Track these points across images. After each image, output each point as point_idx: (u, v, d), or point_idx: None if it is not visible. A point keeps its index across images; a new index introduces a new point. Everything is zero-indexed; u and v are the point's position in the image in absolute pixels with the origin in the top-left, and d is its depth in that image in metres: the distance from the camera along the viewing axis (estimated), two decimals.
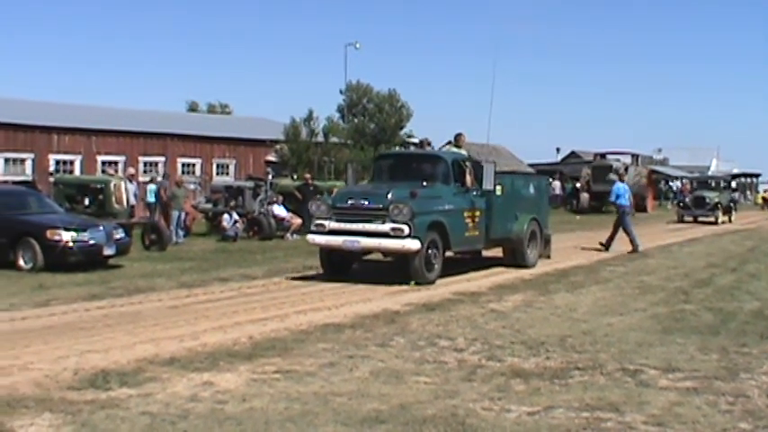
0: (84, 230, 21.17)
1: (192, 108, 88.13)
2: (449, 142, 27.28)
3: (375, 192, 19.67)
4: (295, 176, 40.71)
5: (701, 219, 46.71)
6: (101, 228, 21.70)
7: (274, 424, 8.30)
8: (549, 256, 24.46)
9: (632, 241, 28.07)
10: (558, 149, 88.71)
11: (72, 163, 46.42)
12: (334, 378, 10.19)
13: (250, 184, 34.60)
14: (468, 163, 21.31)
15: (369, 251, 19.86)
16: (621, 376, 10.46)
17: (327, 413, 8.69)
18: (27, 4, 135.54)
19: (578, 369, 10.80)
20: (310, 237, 19.79)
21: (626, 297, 17.28)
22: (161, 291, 17.49)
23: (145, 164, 48.87)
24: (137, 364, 10.68)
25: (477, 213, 20.84)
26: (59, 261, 20.48)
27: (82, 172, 44.91)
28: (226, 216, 31.44)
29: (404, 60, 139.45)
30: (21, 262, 20.52)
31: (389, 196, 18.85)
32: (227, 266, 22.16)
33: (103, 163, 46.82)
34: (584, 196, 57.79)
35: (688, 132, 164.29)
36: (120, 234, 22.04)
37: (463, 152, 22.36)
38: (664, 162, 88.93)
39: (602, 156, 62.12)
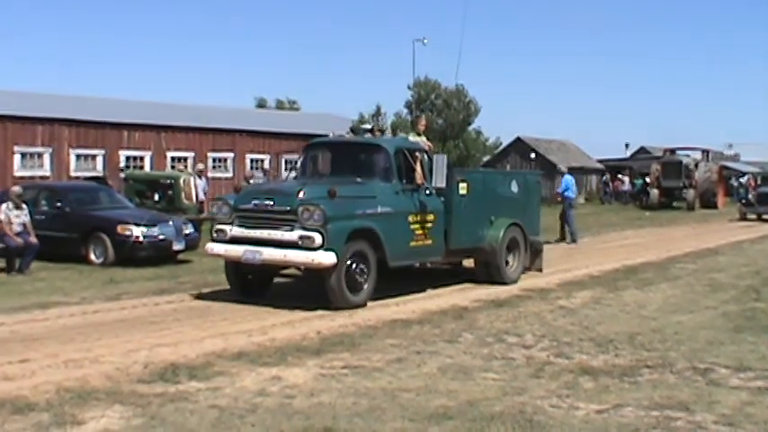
0: (154, 226, 21.37)
1: (261, 104, 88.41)
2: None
3: (283, 190, 15.80)
4: None
5: (765, 216, 43.51)
6: (170, 223, 21.92)
7: (342, 419, 8.33)
8: (540, 269, 20.12)
9: (572, 233, 29.33)
10: (626, 145, 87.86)
11: (142, 159, 46.80)
12: (402, 374, 10.21)
13: None
14: (421, 155, 17.17)
15: (280, 266, 15.85)
16: (692, 375, 10.37)
17: (395, 409, 8.71)
18: (98, 3, 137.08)
19: (648, 367, 10.71)
20: (209, 246, 16.02)
21: (696, 294, 17.09)
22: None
23: (214, 160, 49.16)
24: (206, 359, 10.78)
25: (430, 218, 16.66)
26: (130, 256, 20.74)
27: (152, 168, 45.27)
28: None
29: (471, 56, 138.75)
30: (92, 256, 20.76)
31: (300, 195, 14.83)
32: None
33: (173, 159, 47.18)
34: (654, 192, 57.14)
35: (761, 128, 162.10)
36: (189, 229, 22.20)
37: (420, 141, 18.19)
38: (735, 158, 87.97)
39: (672, 151, 61.41)
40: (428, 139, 19.10)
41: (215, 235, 15.81)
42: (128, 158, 45.85)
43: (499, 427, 8.18)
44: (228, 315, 13.55)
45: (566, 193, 29.91)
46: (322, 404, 8.85)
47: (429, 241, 16.72)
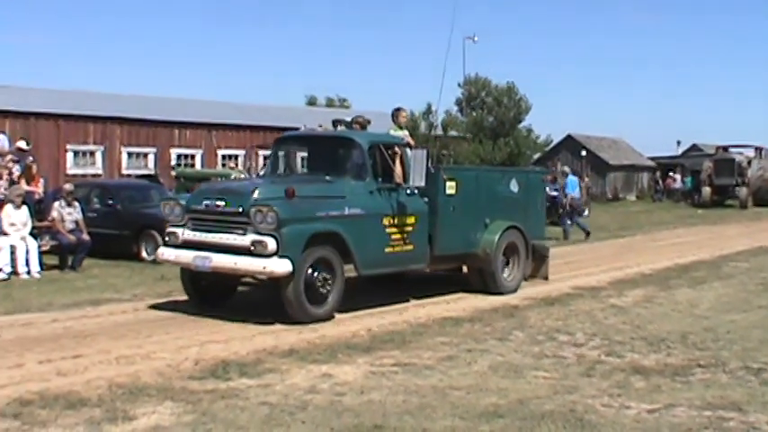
0: None
1: (311, 102, 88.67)
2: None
3: (236, 189, 14.39)
4: None
5: None
6: None
7: (392, 417, 8.32)
8: (546, 277, 18.15)
9: (564, 231, 29.79)
10: (678, 142, 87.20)
11: (193, 157, 47.16)
12: (453, 372, 10.19)
13: None
14: (401, 150, 15.35)
15: (236, 275, 14.00)
16: (744, 375, 10.26)
17: (445, 407, 8.69)
18: (149, 3, 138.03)
19: (700, 366, 10.61)
20: (159, 251, 14.67)
21: (749, 294, 16.91)
22: None
23: (264, 157, 49.30)
24: (256, 356, 10.82)
25: (410, 220, 14.90)
26: None
27: (202, 166, 45.62)
28: None
29: (522, 53, 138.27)
30: (143, 253, 20.89)
31: (254, 195, 13.24)
32: None
33: (223, 157, 47.51)
34: (706, 190, 56.65)
35: None
36: None
37: (400, 134, 16.22)
38: None
39: (725, 149, 60.87)
40: (411, 135, 17.05)
41: (166, 238, 14.31)
42: (179, 156, 46.22)
43: (550, 425, 8.14)
44: (279, 313, 13.57)
45: (571, 194, 30.43)
46: (372, 402, 8.85)
47: (409, 247, 14.88)
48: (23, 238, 17.83)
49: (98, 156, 42.97)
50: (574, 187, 30.65)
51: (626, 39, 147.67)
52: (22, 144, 21.44)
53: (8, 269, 17.29)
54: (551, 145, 67.42)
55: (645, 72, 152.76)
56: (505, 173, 19.35)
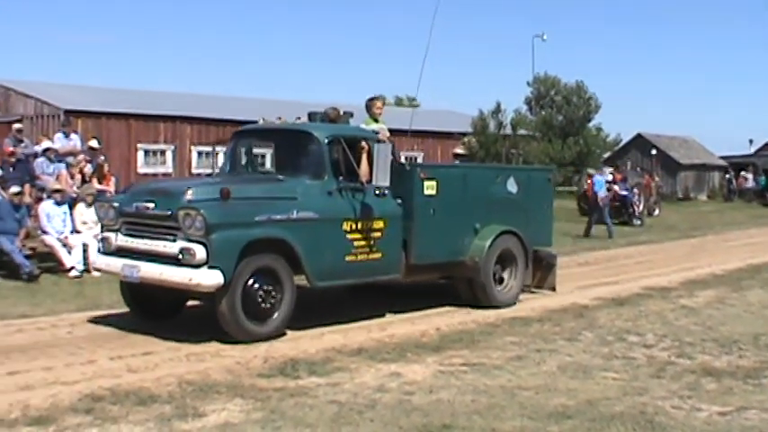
0: None
1: None
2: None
3: (167, 189, 12.78)
4: None
5: None
6: None
7: (461, 416, 8.31)
8: (554, 288, 16.26)
9: (609, 230, 29.57)
10: (750, 141, 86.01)
11: (263, 156, 47.34)
12: (522, 372, 10.16)
13: None
14: (369, 145, 13.37)
15: (167, 285, 11.87)
16: None
17: (514, 407, 8.66)
18: (214, 4, 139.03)
19: None
20: (92, 258, 13.77)
21: None
22: None
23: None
24: (325, 354, 10.86)
25: (378, 225, 13.20)
26: None
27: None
28: None
29: (591, 51, 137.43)
30: None
31: (186, 196, 11.70)
32: None
33: None
34: None
35: None
36: None
37: (374, 128, 14.25)
38: None
39: None
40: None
41: (100, 244, 13.18)
42: None
43: (619, 427, 8.09)
44: (346, 310, 13.59)
45: (598, 193, 30.31)
46: (441, 401, 8.85)
47: (376, 255, 13.19)
48: (96, 236, 17.97)
49: (168, 155, 43.25)
50: (601, 186, 30.54)
51: (696, 36, 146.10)
52: (93, 143, 21.65)
53: (80, 267, 17.47)
54: (621, 144, 66.85)
55: (717, 70, 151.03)
56: (501, 171, 16.97)
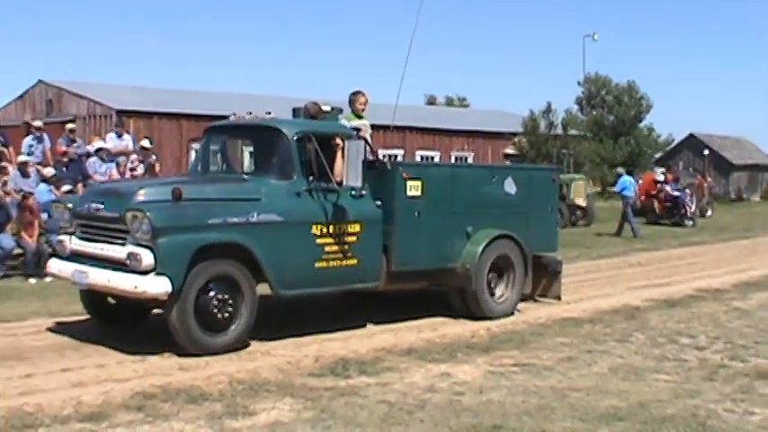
0: None
1: (431, 101, 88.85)
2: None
3: (118, 190, 12.03)
4: None
5: None
6: None
7: (511, 417, 8.28)
8: (559, 297, 15.15)
9: (633, 229, 29.75)
10: None
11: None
12: (572, 373, 10.11)
13: None
14: (345, 143, 12.24)
15: (114, 293, 11.34)
16: None
17: (564, 408, 8.63)
18: (263, 4, 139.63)
19: None
20: (49, 262, 12.54)
21: None
22: None
23: (384, 156, 49.44)
24: (375, 354, 10.87)
25: (354, 229, 12.19)
26: None
27: None
28: None
29: (643, 51, 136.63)
30: None
31: (136, 197, 10.92)
32: None
33: None
34: None
35: None
36: None
37: (356, 124, 13.35)
38: None
39: None
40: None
41: (56, 247, 12.59)
42: None
43: (671, 430, 8.03)
44: (393, 310, 13.58)
45: (623, 193, 30.75)
46: (491, 402, 8.83)
47: (351, 261, 12.20)
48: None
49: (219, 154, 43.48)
50: (626, 186, 30.86)
51: (750, 34, 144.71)
52: (145, 143, 21.80)
53: None
54: (673, 144, 66.48)
55: None
56: (496, 171, 15.48)
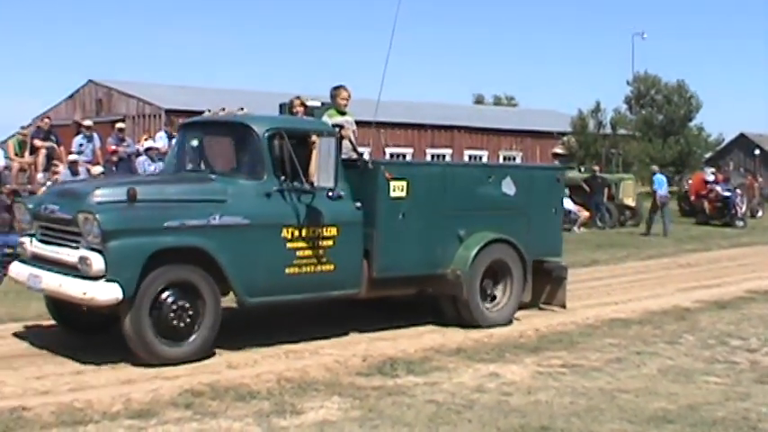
0: None
1: (479, 100, 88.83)
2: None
3: (74, 190, 11.26)
4: (582, 168, 40.34)
5: None
6: None
7: (559, 418, 8.25)
8: (564, 305, 14.14)
9: (664, 227, 29.94)
10: None
11: (361, 155, 47.46)
12: (621, 374, 10.06)
13: None
14: (323, 141, 11.16)
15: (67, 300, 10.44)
16: None
17: (613, 410, 8.59)
18: (299, 5, 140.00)
19: None
20: (11, 265, 11.80)
21: None
22: None
23: (432, 156, 49.47)
24: (424, 353, 10.85)
25: (330, 232, 11.42)
26: None
27: None
28: None
29: (692, 49, 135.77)
30: None
31: (90, 198, 10.22)
32: None
33: (391, 155, 47.75)
34: None
35: None
36: None
37: (335, 121, 12.46)
38: None
39: None
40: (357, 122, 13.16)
41: (18, 250, 11.85)
42: None
43: None
44: None
45: (658, 191, 30.86)
46: (539, 402, 8.80)
47: (327, 266, 11.41)
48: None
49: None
50: (661, 185, 31.02)
51: None
52: (194, 143, 21.91)
53: None
54: (723, 144, 65.99)
55: None
56: (493, 170, 14.28)
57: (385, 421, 8.07)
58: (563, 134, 51.59)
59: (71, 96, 48.92)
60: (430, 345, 11.35)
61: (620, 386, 9.51)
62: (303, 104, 13.13)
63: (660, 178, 31.45)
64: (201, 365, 10.00)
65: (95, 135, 21.67)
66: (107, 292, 9.66)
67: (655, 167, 33.84)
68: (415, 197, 12.11)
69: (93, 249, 9.83)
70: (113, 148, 20.58)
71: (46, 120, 23.27)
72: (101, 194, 10.25)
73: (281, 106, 13.12)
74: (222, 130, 12.30)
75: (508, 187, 13.25)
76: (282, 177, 11.09)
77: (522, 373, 9.99)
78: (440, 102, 64.36)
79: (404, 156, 47.64)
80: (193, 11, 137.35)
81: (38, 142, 21.19)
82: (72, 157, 19.71)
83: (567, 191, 32.08)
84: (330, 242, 11.40)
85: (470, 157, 50.74)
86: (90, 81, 47.73)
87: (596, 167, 36.22)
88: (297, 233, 11.09)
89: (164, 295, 10.06)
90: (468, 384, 9.45)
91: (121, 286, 9.67)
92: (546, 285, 14.17)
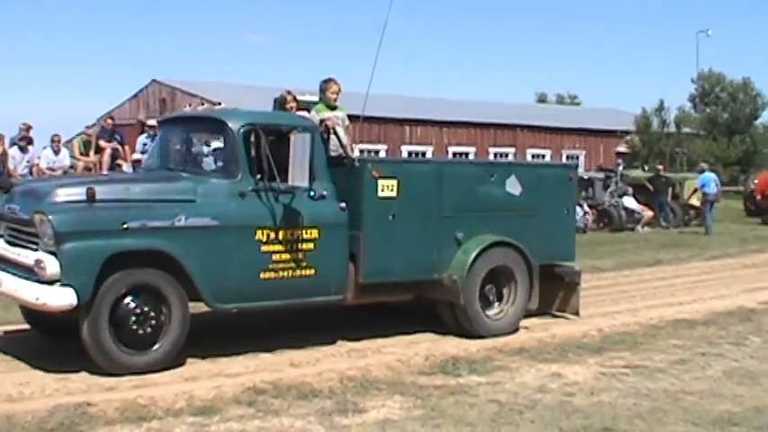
0: None
1: (541, 99, 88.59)
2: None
3: (35, 189, 10.60)
4: (646, 167, 40.07)
5: None
6: None
7: (622, 419, 8.19)
8: (577, 312, 13.18)
9: (706, 225, 30.10)
10: None
11: (423, 154, 47.55)
12: (685, 376, 9.96)
13: (600, 175, 34.22)
14: (292, 135, 10.30)
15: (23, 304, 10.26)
16: None
17: (677, 412, 8.51)
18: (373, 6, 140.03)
19: None
20: None
21: None
22: None
23: (495, 155, 49.41)
24: (486, 353, 10.83)
25: (311, 234, 10.64)
26: None
27: None
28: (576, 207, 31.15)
29: (758, 47, 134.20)
30: None
31: (48, 198, 9.68)
32: (577, 258, 21.81)
33: (454, 154, 47.77)
34: None
35: None
36: None
37: (324, 116, 11.74)
38: None
39: None
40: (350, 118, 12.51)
41: None
42: (409, 154, 46.66)
43: None
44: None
45: (704, 189, 31.02)
46: (602, 403, 8.74)
47: (308, 271, 10.66)
48: None
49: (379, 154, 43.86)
50: (708, 183, 31.00)
51: None
52: None
53: None
54: None
55: None
56: (496, 168, 13.25)
57: (447, 421, 8.06)
58: (626, 133, 51.32)
59: (135, 96, 49.48)
60: (492, 344, 11.30)
61: (684, 388, 9.42)
62: (295, 99, 12.51)
63: (707, 177, 31.41)
64: (263, 363, 10.05)
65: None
66: (60, 298, 9.09)
67: (704, 165, 33.76)
68: (406, 197, 11.31)
69: (49, 252, 9.27)
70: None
71: (108, 120, 23.43)
72: (60, 194, 9.69)
73: (274, 101, 12.59)
74: (197, 127, 11.81)
75: (513, 187, 12.40)
76: (259, 176, 10.39)
77: (585, 374, 9.93)
78: (502, 101, 64.26)
79: (466, 155, 47.58)
80: (256, 10, 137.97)
81: (103, 143, 21.34)
82: (136, 156, 19.83)
83: (630, 190, 32.07)
84: (311, 245, 10.65)
85: (533, 155, 50.61)
86: (154, 80, 48.24)
87: (660, 166, 36.01)
88: (273, 235, 10.37)
89: (125, 301, 9.47)
90: (530, 384, 9.41)
91: (76, 291, 9.08)
92: (559, 291, 13.32)
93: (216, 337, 11.25)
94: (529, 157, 49.71)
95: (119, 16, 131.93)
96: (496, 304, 12.18)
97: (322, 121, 11.50)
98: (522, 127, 51.51)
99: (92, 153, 21.39)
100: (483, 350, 10.95)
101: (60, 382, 9.07)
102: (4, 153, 20.62)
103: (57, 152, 21.20)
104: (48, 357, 9.94)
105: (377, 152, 46.12)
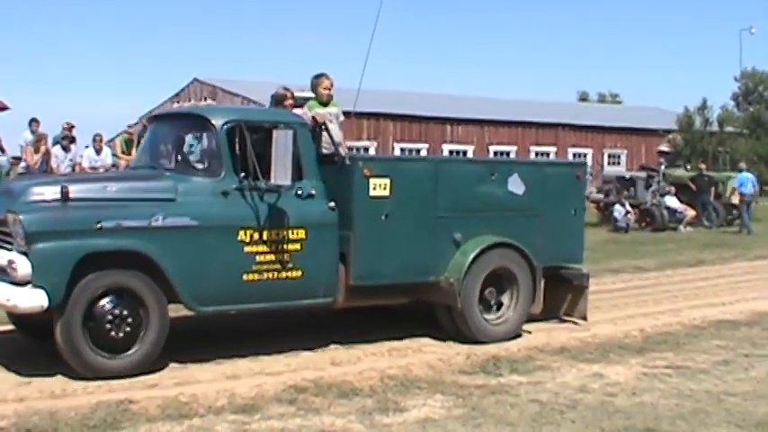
0: None
1: (583, 98, 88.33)
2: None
3: (10, 189, 10.28)
4: (688, 167, 39.85)
5: None
6: None
7: (664, 420, 8.14)
8: (584, 317, 12.63)
9: (744, 225, 30.49)
10: None
11: (465, 153, 47.51)
12: (728, 377, 9.87)
13: (642, 174, 34.08)
14: (274, 132, 9.87)
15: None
16: None
17: (720, 413, 8.44)
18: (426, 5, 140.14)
19: None
20: None
21: None
22: None
23: (536, 154, 49.30)
24: (527, 352, 10.80)
25: (298, 234, 10.26)
26: None
27: None
28: (617, 207, 31.07)
29: None
30: None
31: (22, 197, 9.39)
32: (618, 257, 21.83)
33: (495, 153, 47.69)
34: None
35: None
36: None
37: (319, 113, 11.27)
38: None
39: None
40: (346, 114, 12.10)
41: None
42: (450, 152, 46.63)
43: None
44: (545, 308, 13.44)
45: (741, 189, 31.28)
46: (644, 404, 8.69)
47: (294, 273, 10.28)
48: None
49: (371, 152, 43.86)
50: (745, 183, 31.20)
51: None
52: None
53: None
54: None
55: None
56: (497, 166, 12.50)
57: (488, 420, 8.04)
58: (668, 132, 51.01)
59: (177, 95, 49.72)
60: (534, 344, 11.27)
61: (727, 389, 9.34)
62: (293, 96, 12.20)
63: (744, 177, 31.55)
64: (305, 361, 10.07)
65: None
66: (30, 299, 8.85)
67: (742, 165, 33.70)
68: (400, 196, 10.85)
69: (21, 252, 9.00)
70: None
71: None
72: (34, 193, 9.39)
73: (271, 98, 12.37)
74: (182, 124, 11.50)
75: (515, 186, 11.85)
76: (243, 174, 10.04)
77: (627, 374, 9.87)
78: (544, 99, 64.11)
79: (507, 154, 47.50)
80: (297, 8, 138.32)
81: None
82: None
83: (672, 189, 31.93)
84: (297, 246, 10.28)
85: (574, 155, 50.44)
86: (195, 79, 48.46)
87: (703, 165, 35.80)
88: (256, 236, 10.02)
89: (100, 303, 9.20)
90: (571, 384, 9.37)
91: (48, 293, 8.84)
92: (566, 295, 12.77)
93: (257, 335, 11.29)
94: (570, 156, 49.50)
95: (161, 15, 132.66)
96: (497, 308, 11.72)
97: (313, 118, 11.18)
98: (564, 126, 51.37)
99: (134, 151, 21.46)
100: (524, 350, 10.92)
101: (103, 379, 9.08)
102: (48, 152, 20.75)
103: (98, 151, 21.37)
104: None
105: (418, 151, 46.14)
